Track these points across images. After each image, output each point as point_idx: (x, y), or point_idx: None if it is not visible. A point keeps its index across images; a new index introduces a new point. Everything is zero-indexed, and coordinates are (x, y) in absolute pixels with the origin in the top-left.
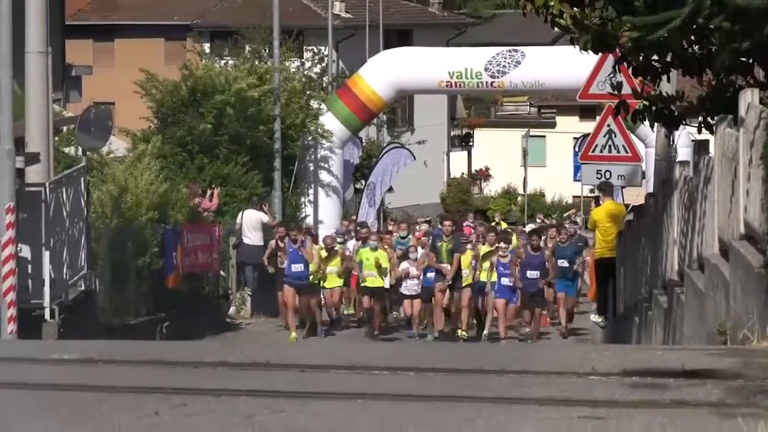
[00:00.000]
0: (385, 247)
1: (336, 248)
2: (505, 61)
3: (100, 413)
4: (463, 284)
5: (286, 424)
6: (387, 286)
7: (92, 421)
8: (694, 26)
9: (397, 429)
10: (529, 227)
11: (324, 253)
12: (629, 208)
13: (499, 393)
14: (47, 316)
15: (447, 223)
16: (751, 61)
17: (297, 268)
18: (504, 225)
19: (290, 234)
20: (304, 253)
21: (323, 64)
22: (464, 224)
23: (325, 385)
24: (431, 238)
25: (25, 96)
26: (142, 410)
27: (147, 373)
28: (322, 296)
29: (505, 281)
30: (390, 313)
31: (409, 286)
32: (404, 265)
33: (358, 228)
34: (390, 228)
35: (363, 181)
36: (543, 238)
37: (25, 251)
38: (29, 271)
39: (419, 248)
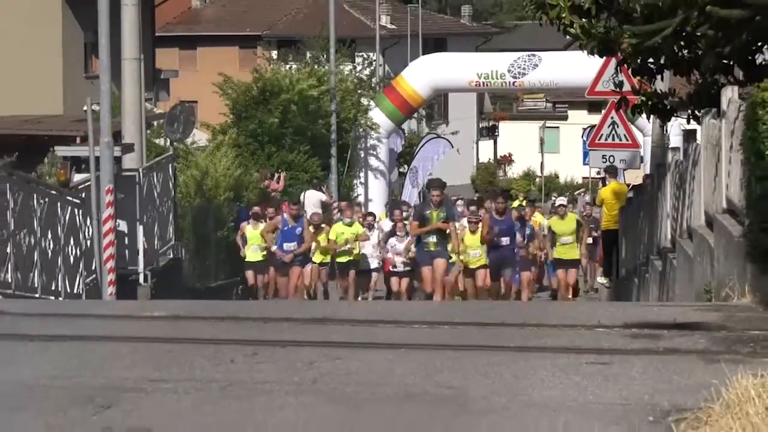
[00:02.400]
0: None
1: (322, 226)
2: (524, 64)
3: (185, 361)
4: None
5: (340, 369)
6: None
7: (178, 367)
8: (684, 34)
9: (433, 373)
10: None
11: (311, 230)
12: (630, 187)
13: (519, 343)
14: (141, 280)
15: (435, 192)
16: (731, 63)
17: (289, 246)
18: (524, 203)
19: (291, 210)
20: (305, 232)
21: (372, 68)
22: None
23: (373, 337)
24: (417, 208)
25: (121, 96)
26: (220, 358)
27: (224, 327)
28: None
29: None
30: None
31: (396, 263)
32: (391, 241)
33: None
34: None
35: (405, 166)
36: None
37: (123, 226)
38: (126, 242)
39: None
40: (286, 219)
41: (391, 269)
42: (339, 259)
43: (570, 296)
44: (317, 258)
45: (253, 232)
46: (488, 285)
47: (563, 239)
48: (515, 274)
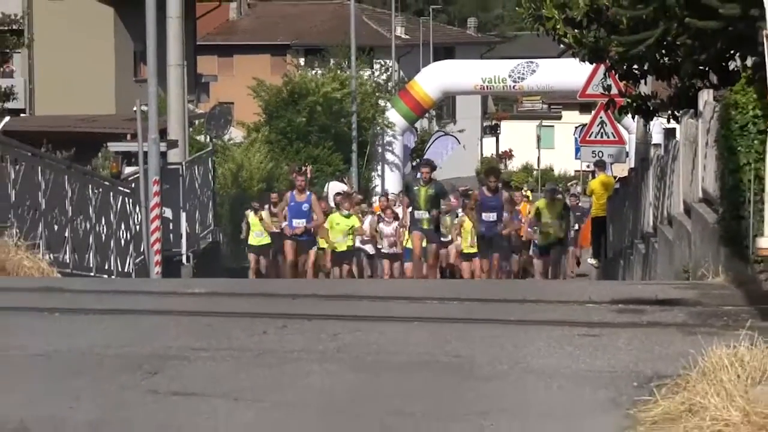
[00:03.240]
0: (359, 213)
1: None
2: (523, 70)
3: (222, 332)
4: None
5: (361, 339)
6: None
7: (217, 337)
8: (665, 43)
9: (443, 343)
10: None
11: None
12: (617, 179)
13: (519, 317)
14: (184, 261)
15: (425, 170)
16: (707, 69)
17: (298, 222)
18: (529, 194)
19: (298, 180)
20: (314, 207)
21: (388, 73)
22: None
23: (390, 311)
24: (406, 186)
25: (167, 98)
26: (253, 330)
27: (257, 302)
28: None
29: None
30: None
31: (385, 246)
32: (380, 226)
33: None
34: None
35: (418, 160)
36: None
37: (168, 213)
38: (170, 227)
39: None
40: (293, 195)
41: (381, 251)
42: (337, 248)
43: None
44: (321, 244)
45: (254, 219)
46: (482, 271)
47: (550, 222)
48: (505, 257)
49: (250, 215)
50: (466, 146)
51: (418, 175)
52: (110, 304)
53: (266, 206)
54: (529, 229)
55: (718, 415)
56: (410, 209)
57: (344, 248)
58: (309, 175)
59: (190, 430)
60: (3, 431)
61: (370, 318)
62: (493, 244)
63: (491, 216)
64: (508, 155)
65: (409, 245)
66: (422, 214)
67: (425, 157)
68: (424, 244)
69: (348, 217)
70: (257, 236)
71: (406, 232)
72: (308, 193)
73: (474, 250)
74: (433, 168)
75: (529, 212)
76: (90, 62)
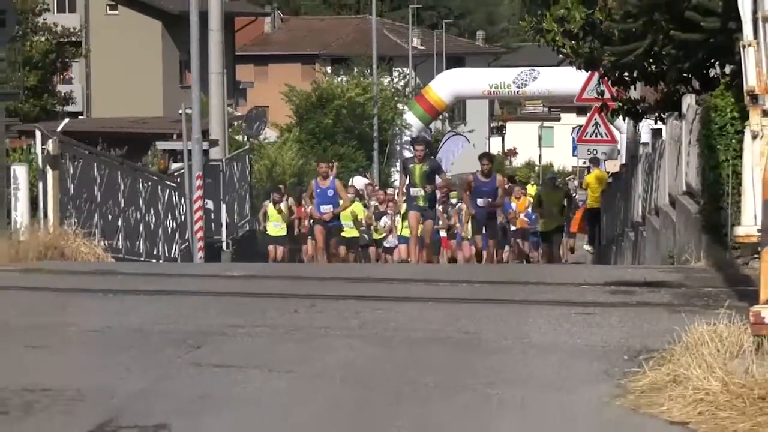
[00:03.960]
0: (365, 201)
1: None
2: (526, 77)
3: (258, 311)
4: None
5: (380, 317)
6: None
7: (252, 316)
8: (652, 53)
9: (454, 320)
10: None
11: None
12: (610, 175)
13: (522, 297)
14: (224, 247)
15: (419, 147)
16: (690, 76)
17: (326, 208)
18: (534, 187)
19: (320, 168)
20: (339, 191)
21: (405, 80)
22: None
23: (407, 292)
24: (402, 163)
25: (209, 102)
26: (286, 308)
27: (289, 284)
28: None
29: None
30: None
31: (389, 241)
32: (384, 219)
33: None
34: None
35: (432, 157)
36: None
37: (210, 204)
38: (212, 217)
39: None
40: (317, 182)
41: (384, 245)
42: (344, 234)
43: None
44: (349, 233)
45: (272, 211)
46: (472, 254)
47: (549, 209)
48: (502, 240)
49: (269, 206)
50: (476, 145)
51: (411, 154)
52: (158, 285)
53: (285, 198)
54: (525, 218)
55: (700, 385)
56: (406, 187)
57: (351, 235)
58: (334, 171)
59: (228, 399)
60: (62, 399)
61: (389, 298)
62: (488, 228)
63: (486, 201)
64: (513, 153)
65: (405, 233)
66: (417, 191)
67: (439, 155)
68: (420, 223)
69: (351, 202)
70: (275, 227)
71: (400, 223)
72: (331, 178)
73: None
74: (427, 144)
75: (529, 204)
76: (140, 70)
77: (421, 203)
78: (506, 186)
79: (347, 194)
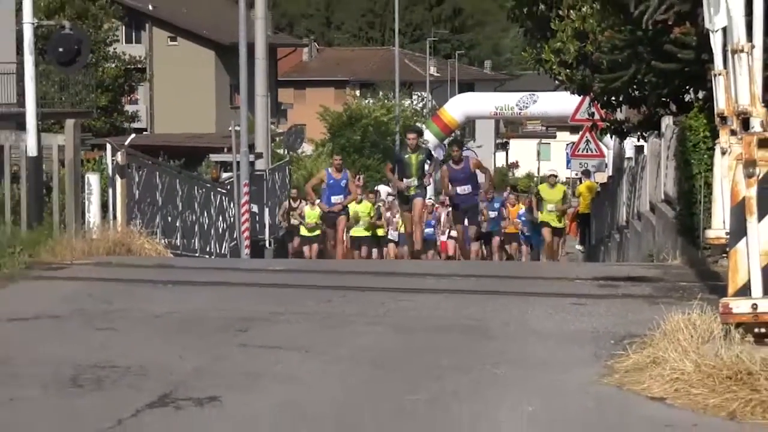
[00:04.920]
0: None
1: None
2: (527, 101)
3: (296, 300)
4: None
5: (402, 306)
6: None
7: (292, 305)
8: (636, 80)
9: (464, 309)
10: (550, 171)
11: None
12: (599, 185)
13: (523, 290)
14: (267, 245)
15: (411, 135)
16: (668, 100)
17: (336, 199)
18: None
19: (335, 161)
20: (350, 183)
21: (423, 102)
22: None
23: (423, 285)
24: (395, 153)
25: (255, 120)
26: (320, 299)
27: (323, 278)
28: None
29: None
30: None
31: (392, 234)
32: (387, 215)
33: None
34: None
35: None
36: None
37: (255, 208)
38: (257, 219)
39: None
40: (330, 172)
41: (389, 238)
42: (353, 233)
43: (551, 256)
44: (356, 232)
45: (310, 212)
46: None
47: (549, 206)
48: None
49: (306, 209)
50: (483, 159)
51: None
52: (210, 277)
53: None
54: (518, 220)
55: (676, 366)
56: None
57: (362, 233)
58: (361, 182)
59: (270, 375)
60: (128, 374)
61: (409, 290)
62: (469, 217)
63: (466, 188)
64: (515, 165)
65: (402, 230)
66: (410, 182)
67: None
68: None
69: (360, 202)
70: (310, 228)
71: (399, 219)
72: (344, 170)
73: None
74: (420, 134)
75: (523, 206)
76: (196, 92)
77: (412, 192)
78: (483, 166)
79: (356, 187)
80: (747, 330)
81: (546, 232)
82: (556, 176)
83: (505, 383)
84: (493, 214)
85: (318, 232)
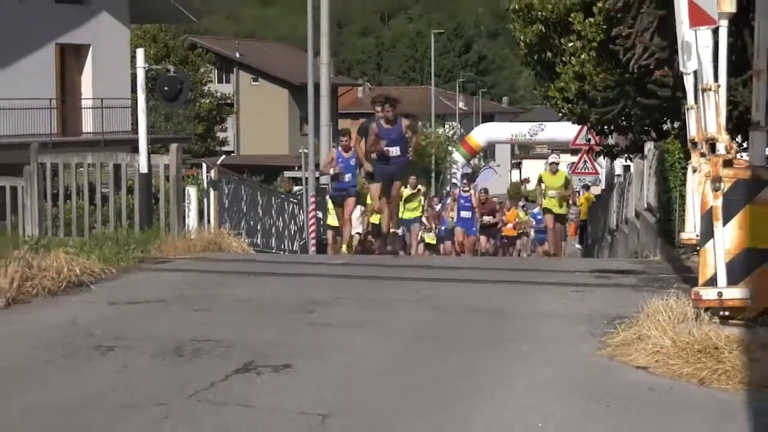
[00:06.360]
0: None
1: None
2: (537, 129)
3: (353, 287)
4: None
5: (435, 293)
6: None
7: (348, 291)
8: (624, 113)
9: (485, 296)
10: (552, 158)
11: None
12: (595, 197)
13: (532, 280)
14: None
15: (386, 107)
16: (650, 129)
17: (347, 178)
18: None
19: (342, 141)
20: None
21: (454, 130)
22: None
23: (453, 275)
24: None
25: (320, 144)
26: (370, 286)
27: (371, 269)
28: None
29: (464, 214)
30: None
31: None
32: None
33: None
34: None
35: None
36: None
37: (320, 214)
38: (321, 223)
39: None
40: (339, 152)
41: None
42: (372, 220)
43: (555, 241)
44: (374, 219)
45: (375, 217)
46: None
47: (551, 192)
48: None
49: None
50: (501, 175)
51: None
52: (284, 269)
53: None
54: (531, 219)
55: (656, 341)
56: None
57: (380, 220)
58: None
59: (332, 347)
60: (219, 346)
61: (439, 280)
62: (394, 178)
63: (394, 150)
64: (527, 181)
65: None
66: (392, 150)
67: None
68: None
69: None
70: (333, 219)
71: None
72: (352, 150)
73: (415, 213)
74: (393, 104)
75: (517, 217)
76: (273, 122)
77: (391, 162)
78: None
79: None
80: (714, 313)
81: (548, 219)
82: (557, 163)
83: (519, 355)
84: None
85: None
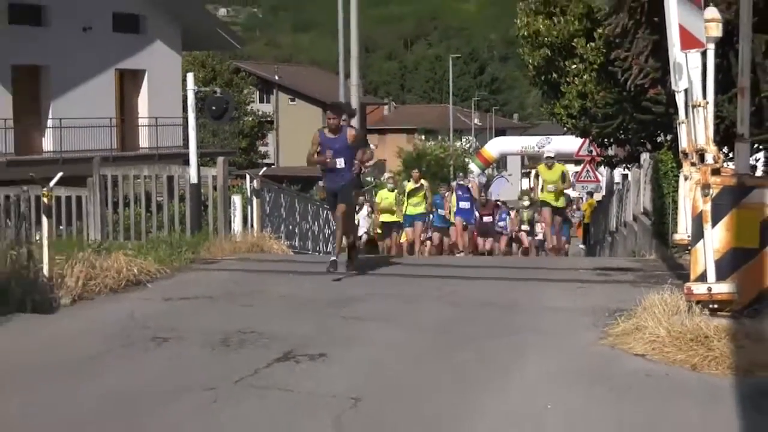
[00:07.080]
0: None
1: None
2: (544, 142)
3: (381, 285)
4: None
5: (454, 289)
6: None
7: (377, 288)
8: (622, 127)
9: (499, 292)
10: (547, 153)
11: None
12: (597, 202)
13: (541, 277)
14: (360, 247)
15: (331, 115)
16: (645, 141)
17: (339, 164)
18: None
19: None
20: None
21: (470, 143)
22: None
23: (469, 274)
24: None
25: None
26: (396, 283)
27: (398, 268)
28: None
29: (463, 204)
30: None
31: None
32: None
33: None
34: None
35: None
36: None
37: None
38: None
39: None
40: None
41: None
42: (382, 219)
43: (556, 234)
44: (384, 218)
45: (385, 193)
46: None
47: (549, 186)
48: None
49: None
50: (513, 184)
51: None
52: (319, 269)
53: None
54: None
55: (653, 331)
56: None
57: (391, 219)
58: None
59: (362, 338)
60: (262, 337)
61: (457, 278)
62: (338, 196)
63: (339, 162)
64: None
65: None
66: (337, 162)
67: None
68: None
69: (392, 190)
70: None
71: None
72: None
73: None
74: (341, 114)
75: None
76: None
77: (338, 166)
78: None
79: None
80: (704, 306)
81: (546, 212)
82: (552, 158)
83: (530, 345)
84: (501, 224)
85: (394, 217)
